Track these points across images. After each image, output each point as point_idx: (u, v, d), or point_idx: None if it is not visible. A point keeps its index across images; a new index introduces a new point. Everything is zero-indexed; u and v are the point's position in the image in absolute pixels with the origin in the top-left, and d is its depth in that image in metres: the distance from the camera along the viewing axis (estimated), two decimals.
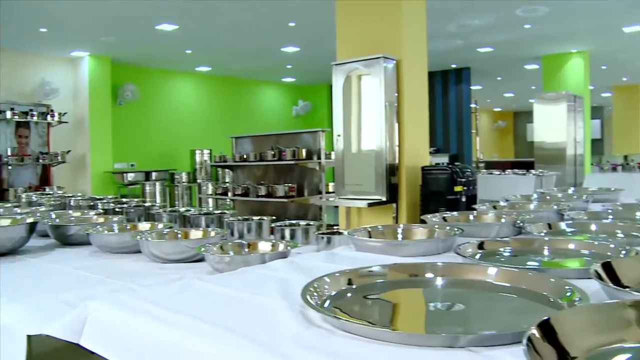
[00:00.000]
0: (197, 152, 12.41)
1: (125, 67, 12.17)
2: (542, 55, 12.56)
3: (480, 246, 1.60)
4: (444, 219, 2.20)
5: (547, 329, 0.74)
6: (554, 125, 10.66)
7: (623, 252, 1.43)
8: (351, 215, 5.83)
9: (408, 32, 5.57)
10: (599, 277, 1.07)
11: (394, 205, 5.44)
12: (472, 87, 14.46)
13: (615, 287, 1.05)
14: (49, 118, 10.58)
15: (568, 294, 1.02)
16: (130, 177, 11.44)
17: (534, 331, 0.72)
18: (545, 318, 0.76)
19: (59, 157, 10.62)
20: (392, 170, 5.41)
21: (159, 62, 12.48)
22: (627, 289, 1.08)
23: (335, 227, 4.38)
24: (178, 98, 13.63)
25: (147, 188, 10.99)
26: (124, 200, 3.31)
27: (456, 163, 5.63)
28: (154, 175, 11.71)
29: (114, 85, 11.78)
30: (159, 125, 13.04)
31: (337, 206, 6.19)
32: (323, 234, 1.95)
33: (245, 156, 7.88)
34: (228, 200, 8.27)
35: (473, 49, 11.68)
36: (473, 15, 9.03)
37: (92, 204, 3.15)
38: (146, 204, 2.96)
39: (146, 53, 11.34)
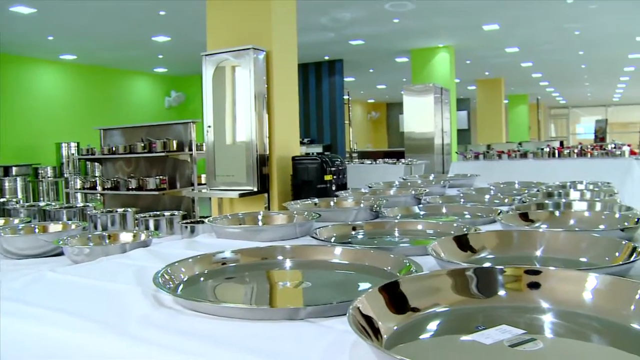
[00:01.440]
0: (64, 145, 11.83)
1: None
2: (411, 48, 13.14)
3: (335, 229, 1.70)
4: (315, 204, 2.29)
5: (373, 298, 0.83)
6: (422, 116, 11.19)
7: (464, 229, 1.57)
8: (223, 206, 5.83)
9: (278, 24, 5.64)
10: (434, 252, 1.19)
11: (266, 195, 5.52)
12: (345, 79, 14.81)
13: (445, 260, 1.17)
14: None
15: (407, 265, 1.12)
16: None
17: (360, 301, 0.80)
18: (371, 289, 0.85)
19: None
20: (263, 161, 5.48)
21: (16, 48, 11.60)
22: (458, 261, 1.21)
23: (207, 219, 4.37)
24: (40, 88, 12.82)
25: (7, 184, 10.28)
26: None
27: (326, 153, 5.79)
28: (14, 170, 10.92)
29: None
30: (19, 117, 12.19)
31: (210, 197, 6.17)
32: (187, 223, 1.97)
33: (114, 149, 7.60)
34: (98, 194, 7.96)
35: (345, 41, 11.97)
36: (344, 9, 9.27)
37: None
38: (1, 200, 2.81)
39: (0, 38, 10.54)
